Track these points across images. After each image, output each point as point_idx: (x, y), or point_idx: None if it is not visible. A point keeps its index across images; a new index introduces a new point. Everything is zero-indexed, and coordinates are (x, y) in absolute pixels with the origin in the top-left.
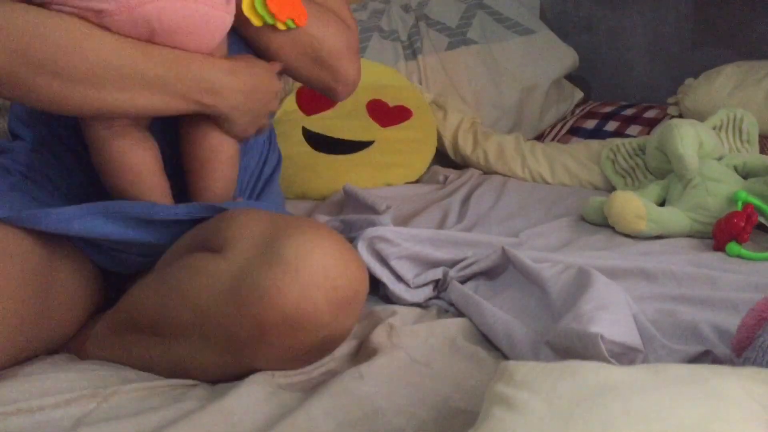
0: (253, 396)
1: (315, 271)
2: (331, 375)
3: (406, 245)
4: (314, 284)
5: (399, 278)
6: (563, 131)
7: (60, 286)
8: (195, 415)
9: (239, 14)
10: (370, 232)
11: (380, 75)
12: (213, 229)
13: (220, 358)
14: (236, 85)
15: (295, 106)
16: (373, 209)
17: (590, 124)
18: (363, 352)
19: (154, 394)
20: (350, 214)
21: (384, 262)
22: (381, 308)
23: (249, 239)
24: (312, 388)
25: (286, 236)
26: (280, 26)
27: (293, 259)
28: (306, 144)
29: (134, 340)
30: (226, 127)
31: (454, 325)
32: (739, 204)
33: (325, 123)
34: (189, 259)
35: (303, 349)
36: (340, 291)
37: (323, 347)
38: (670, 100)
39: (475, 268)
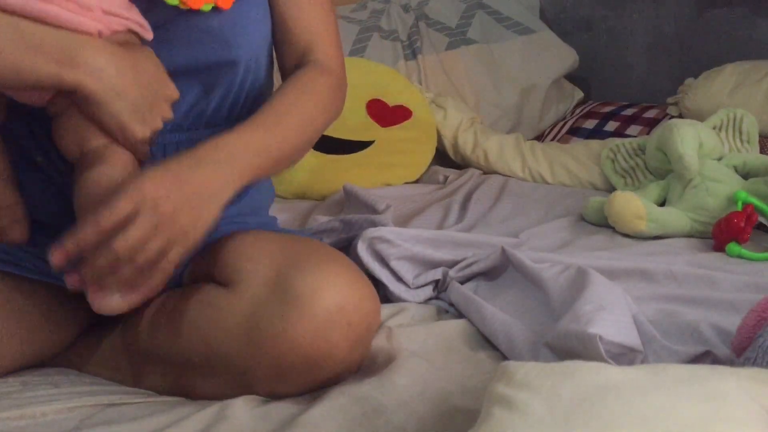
0: (254, 401)
1: (330, 309)
2: None
3: (406, 246)
4: (330, 323)
5: (399, 278)
6: (563, 131)
7: (45, 299)
8: (196, 420)
9: None
10: (371, 232)
11: (380, 75)
12: (220, 258)
13: (233, 390)
14: (109, 61)
15: None
16: (373, 209)
17: (590, 124)
18: None
19: (156, 402)
20: (350, 214)
21: (384, 262)
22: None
23: (260, 274)
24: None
25: (298, 271)
26: (200, 6)
27: (308, 299)
28: None
29: (141, 367)
30: (100, 114)
31: (453, 326)
32: (739, 204)
33: None
34: (199, 293)
35: (318, 383)
36: (354, 327)
37: (337, 378)
38: (670, 100)
39: (474, 269)
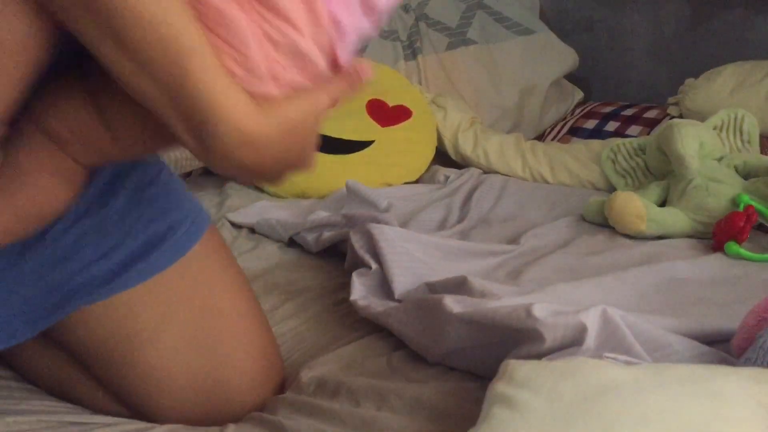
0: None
1: None
2: None
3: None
4: None
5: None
6: (563, 131)
7: None
8: None
9: None
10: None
11: (380, 75)
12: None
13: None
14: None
15: None
16: (374, 206)
17: (590, 124)
18: None
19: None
20: (353, 210)
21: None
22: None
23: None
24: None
25: None
26: None
27: None
28: None
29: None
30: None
31: None
32: (741, 207)
33: (324, 123)
34: None
35: None
36: None
37: None
38: (671, 100)
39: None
